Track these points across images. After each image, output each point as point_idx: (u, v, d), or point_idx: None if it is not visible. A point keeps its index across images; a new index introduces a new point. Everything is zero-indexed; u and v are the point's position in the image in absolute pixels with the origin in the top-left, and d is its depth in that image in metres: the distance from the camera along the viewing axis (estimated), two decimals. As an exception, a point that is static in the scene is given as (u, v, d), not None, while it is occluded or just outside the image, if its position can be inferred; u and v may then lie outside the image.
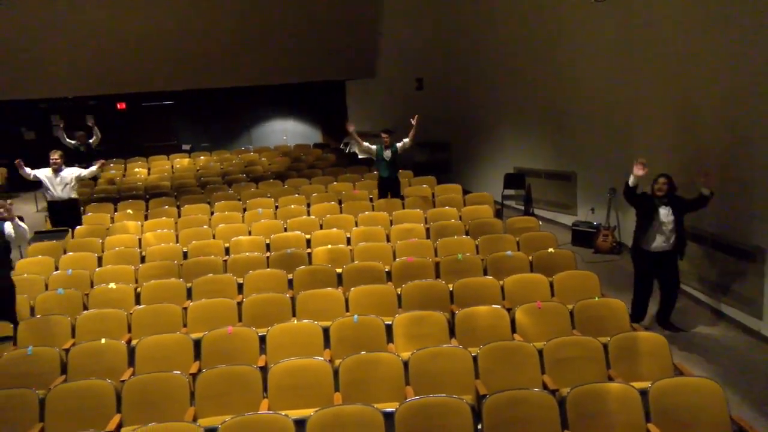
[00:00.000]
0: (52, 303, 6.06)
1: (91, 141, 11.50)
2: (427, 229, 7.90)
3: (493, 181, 10.99)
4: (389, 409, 3.94)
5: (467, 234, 7.65)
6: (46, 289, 6.48)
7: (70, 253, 7.49)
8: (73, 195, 8.70)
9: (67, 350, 5.01)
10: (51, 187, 8.53)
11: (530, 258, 6.64)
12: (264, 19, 13.04)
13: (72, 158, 10.63)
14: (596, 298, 5.48)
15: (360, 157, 13.38)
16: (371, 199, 9.39)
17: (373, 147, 8.94)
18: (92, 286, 6.48)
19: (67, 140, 11.40)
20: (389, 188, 9.16)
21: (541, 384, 4.43)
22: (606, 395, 3.97)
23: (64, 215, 8.58)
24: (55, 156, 8.51)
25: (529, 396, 3.97)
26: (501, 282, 5.94)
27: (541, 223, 8.68)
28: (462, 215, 8.49)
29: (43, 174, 8.51)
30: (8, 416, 4.22)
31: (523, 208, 10.72)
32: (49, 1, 11.63)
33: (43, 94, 13.88)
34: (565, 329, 5.17)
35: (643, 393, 3.97)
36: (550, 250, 6.74)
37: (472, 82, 11.97)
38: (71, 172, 8.67)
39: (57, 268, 7.08)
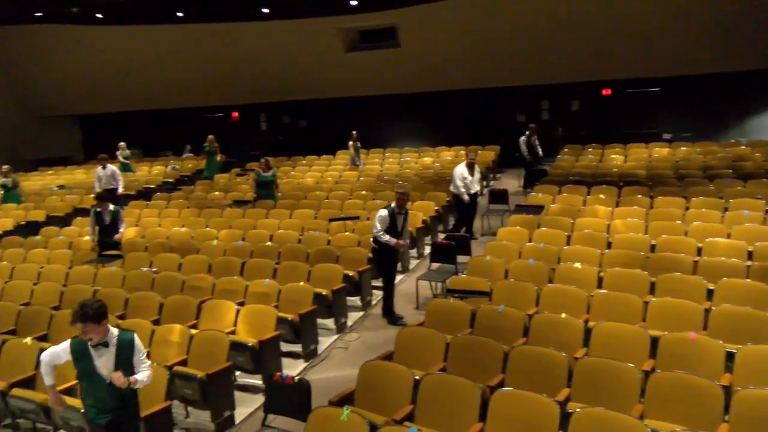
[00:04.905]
0: (523, 271, 6.73)
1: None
2: None
3: None
4: None
5: None
6: (519, 257, 7.20)
7: (543, 229, 8.13)
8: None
9: (530, 316, 5.49)
10: (464, 186, 9.73)
11: None
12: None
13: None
14: None
15: None
16: None
17: None
18: (559, 262, 6.90)
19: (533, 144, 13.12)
20: None
21: None
22: None
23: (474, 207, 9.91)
24: (472, 156, 9.90)
25: None
26: None
27: None
28: None
29: (464, 175, 9.71)
30: (478, 358, 4.90)
31: None
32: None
33: (539, 80, 15.38)
34: None
35: None
36: None
37: None
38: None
39: (530, 240, 7.78)
